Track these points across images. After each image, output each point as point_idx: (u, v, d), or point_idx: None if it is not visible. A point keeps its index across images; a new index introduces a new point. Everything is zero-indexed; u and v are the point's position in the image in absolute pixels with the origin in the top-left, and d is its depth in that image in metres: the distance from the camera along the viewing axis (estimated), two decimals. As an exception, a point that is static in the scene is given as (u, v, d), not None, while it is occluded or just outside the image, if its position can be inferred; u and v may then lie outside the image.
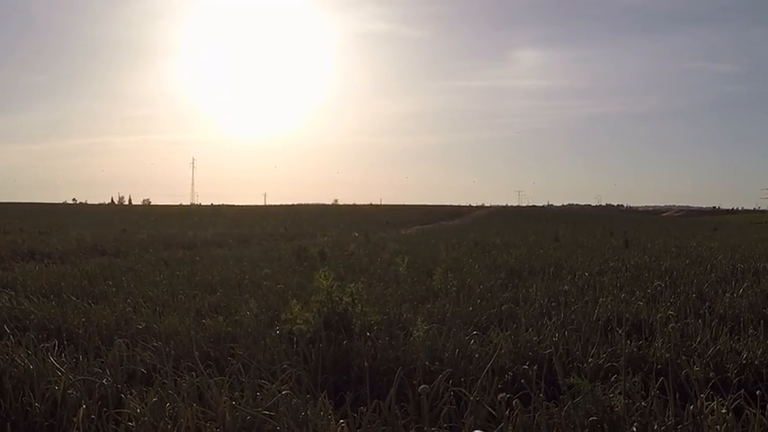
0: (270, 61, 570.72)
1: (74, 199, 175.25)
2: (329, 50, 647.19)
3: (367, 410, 4.55)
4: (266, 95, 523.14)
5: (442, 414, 4.55)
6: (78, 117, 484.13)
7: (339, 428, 4.38)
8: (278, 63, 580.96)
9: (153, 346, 6.59)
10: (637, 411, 4.66)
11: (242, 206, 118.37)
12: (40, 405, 4.94)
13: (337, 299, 7.16)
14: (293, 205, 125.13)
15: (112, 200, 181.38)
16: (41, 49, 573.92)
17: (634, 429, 4.03)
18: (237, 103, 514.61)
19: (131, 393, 5.06)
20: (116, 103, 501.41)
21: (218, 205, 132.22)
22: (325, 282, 7.27)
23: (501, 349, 6.24)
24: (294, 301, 7.42)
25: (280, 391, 4.83)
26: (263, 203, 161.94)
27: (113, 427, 4.57)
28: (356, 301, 7.23)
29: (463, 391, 4.95)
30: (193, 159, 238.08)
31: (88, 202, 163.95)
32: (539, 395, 4.63)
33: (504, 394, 4.30)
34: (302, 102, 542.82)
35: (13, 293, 9.64)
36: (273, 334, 6.88)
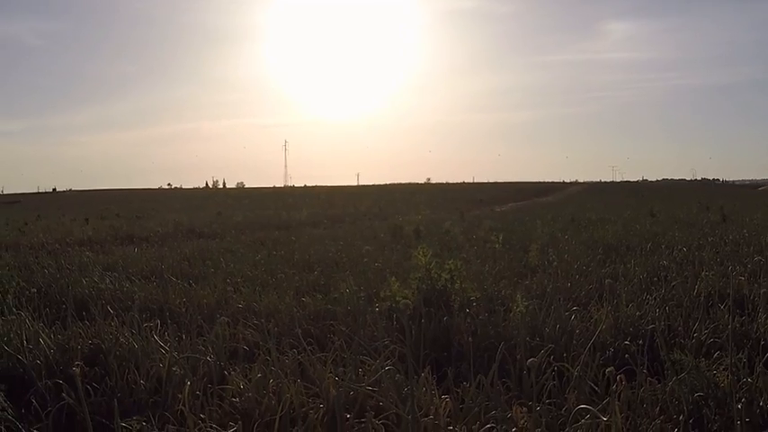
0: (359, 42, 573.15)
1: (169, 184, 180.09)
2: (417, 29, 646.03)
3: (470, 386, 4.59)
4: (356, 76, 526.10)
5: (544, 389, 4.52)
6: (170, 104, 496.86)
7: (443, 404, 4.38)
8: (367, 44, 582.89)
9: (254, 324, 6.72)
10: (743, 387, 4.54)
11: (335, 186, 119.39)
12: (145, 382, 5.11)
13: (436, 275, 7.18)
14: (386, 185, 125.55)
15: (207, 184, 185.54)
16: (131, 39, 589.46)
17: (740, 406, 3.92)
18: (328, 86, 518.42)
19: (234, 370, 5.17)
20: (207, 89, 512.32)
21: (312, 186, 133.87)
22: (423, 258, 7.30)
23: (602, 325, 6.15)
24: (393, 278, 7.47)
25: (382, 367, 4.88)
26: (355, 183, 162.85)
27: (218, 402, 4.69)
28: (455, 278, 7.23)
29: (567, 366, 4.92)
30: (285, 142, 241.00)
31: (183, 187, 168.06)
32: (642, 371, 4.57)
33: (612, 368, 4.24)
34: (391, 81, 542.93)
35: (116, 275, 9.98)
36: (373, 311, 6.92)
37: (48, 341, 6.13)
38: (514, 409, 4.39)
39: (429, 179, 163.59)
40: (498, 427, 4.01)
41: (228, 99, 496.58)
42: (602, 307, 6.93)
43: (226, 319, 6.20)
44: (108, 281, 9.50)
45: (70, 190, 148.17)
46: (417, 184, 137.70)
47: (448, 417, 4.26)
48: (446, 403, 4.38)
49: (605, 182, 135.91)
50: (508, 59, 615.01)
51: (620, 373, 4.20)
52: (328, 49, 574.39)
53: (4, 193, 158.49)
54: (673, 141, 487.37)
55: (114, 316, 6.83)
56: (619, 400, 4.15)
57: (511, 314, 6.65)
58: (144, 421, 4.42)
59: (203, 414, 4.46)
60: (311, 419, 4.26)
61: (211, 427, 4.15)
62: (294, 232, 19.66)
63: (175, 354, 5.36)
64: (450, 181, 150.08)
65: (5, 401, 5.11)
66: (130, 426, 4.38)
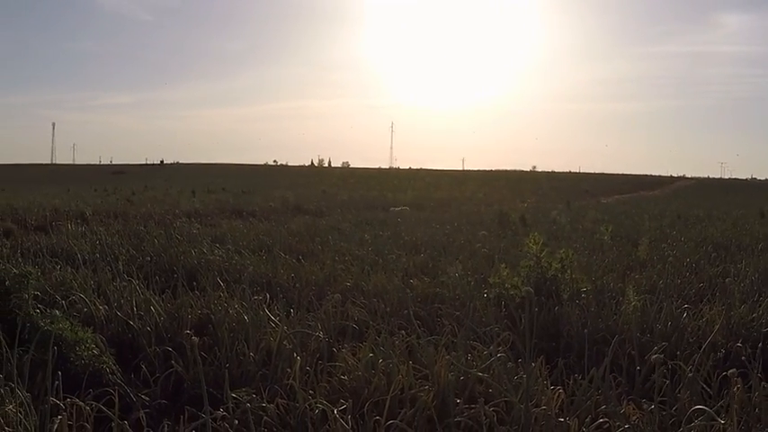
0: (469, 27, 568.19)
1: (275, 161, 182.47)
2: (528, 16, 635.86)
3: (583, 378, 4.53)
4: (464, 61, 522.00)
5: (657, 388, 4.40)
6: (278, 82, 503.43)
7: (555, 395, 4.31)
8: (477, 29, 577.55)
9: (362, 302, 6.75)
10: None
11: (440, 170, 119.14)
12: (254, 355, 5.19)
13: (546, 264, 7.09)
14: (491, 171, 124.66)
15: (312, 162, 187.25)
16: (240, 16, 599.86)
17: None
18: (435, 69, 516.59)
19: (344, 348, 5.20)
20: (315, 69, 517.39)
21: (416, 169, 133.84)
22: (535, 246, 7.22)
23: (717, 325, 5.96)
24: (503, 264, 7.41)
25: (492, 354, 4.83)
26: (460, 168, 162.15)
27: (327, 378, 4.72)
28: (566, 268, 7.14)
29: (680, 364, 4.79)
30: (392, 123, 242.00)
31: (289, 164, 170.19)
32: (757, 375, 4.43)
33: (734, 370, 4.09)
34: (500, 68, 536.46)
35: (226, 248, 10.18)
36: (481, 296, 6.87)
37: (158, 309, 6.29)
38: (626, 405, 4.33)
39: (534, 167, 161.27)
40: (611, 422, 3.93)
41: (336, 78, 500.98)
42: (714, 306, 6.73)
43: (338, 296, 6.23)
44: (217, 252, 9.69)
45: (177, 163, 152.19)
46: (522, 171, 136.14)
47: (559, 408, 4.19)
48: (558, 394, 4.31)
49: (713, 178, 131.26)
50: (620, 49, 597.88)
51: (737, 377, 4.06)
52: (438, 34, 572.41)
53: (113, 163, 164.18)
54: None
55: (224, 287, 6.95)
56: (731, 403, 4.02)
57: (621, 308, 6.54)
58: (253, 393, 4.47)
59: (312, 390, 4.49)
60: (422, 402, 4.24)
61: (321, 402, 4.17)
62: (399, 214, 19.70)
63: (286, 328, 5.42)
64: (556, 170, 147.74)
65: (115, 365, 5.26)
66: (239, 396, 4.45)
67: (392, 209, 19.28)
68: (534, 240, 7.30)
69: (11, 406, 3.98)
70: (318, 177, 64.58)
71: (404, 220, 16.90)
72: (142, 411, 4.43)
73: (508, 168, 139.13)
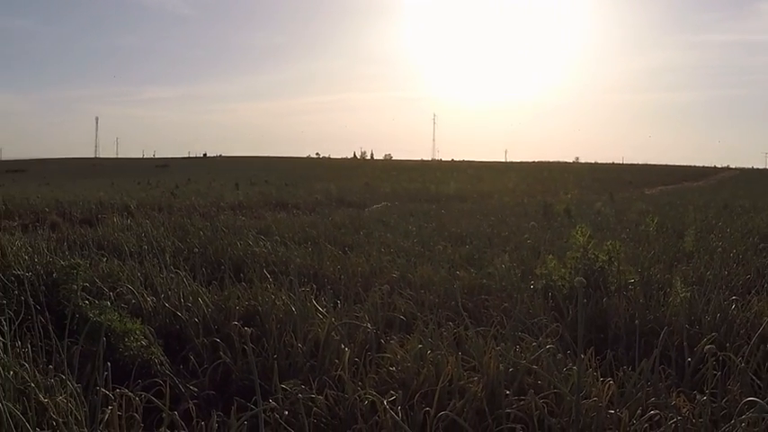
0: (509, 18, 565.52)
1: (317, 153, 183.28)
2: (568, 7, 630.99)
3: (632, 370, 4.53)
4: (505, 53, 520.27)
5: (708, 380, 4.35)
6: (318, 75, 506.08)
7: (606, 387, 4.28)
8: (517, 20, 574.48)
9: (408, 294, 6.75)
10: None
11: (482, 162, 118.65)
12: (302, 346, 5.20)
13: (593, 256, 7.05)
14: (533, 162, 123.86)
15: (354, 154, 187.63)
16: (280, 10, 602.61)
17: None
18: (477, 61, 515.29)
19: (392, 339, 5.19)
20: (356, 62, 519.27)
21: (459, 161, 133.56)
22: (581, 238, 7.18)
23: (765, 317, 5.88)
24: (550, 256, 7.37)
25: (541, 346, 4.81)
26: (503, 160, 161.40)
27: (375, 370, 4.73)
28: (613, 259, 7.09)
29: (730, 356, 4.73)
30: (434, 115, 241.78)
31: (331, 157, 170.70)
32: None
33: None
34: (541, 59, 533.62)
35: (273, 240, 10.23)
36: (528, 288, 6.85)
37: (206, 300, 6.34)
38: (676, 397, 4.34)
39: (577, 158, 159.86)
40: (661, 414, 3.90)
41: (377, 71, 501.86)
42: (763, 298, 6.65)
43: (387, 287, 6.23)
44: (263, 244, 9.75)
45: (220, 156, 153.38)
46: (565, 162, 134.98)
47: (609, 400, 4.16)
48: (609, 386, 4.28)
49: (758, 169, 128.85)
50: (663, 38, 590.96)
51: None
52: (480, 25, 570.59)
53: (156, 156, 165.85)
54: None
55: (271, 279, 6.98)
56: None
57: (669, 300, 6.50)
58: (302, 384, 4.49)
59: (360, 381, 4.50)
60: (471, 393, 4.23)
61: (370, 393, 4.18)
62: (443, 205, 19.69)
63: (333, 319, 5.44)
64: (599, 161, 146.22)
65: (163, 356, 5.31)
66: (288, 388, 4.47)
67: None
68: (581, 232, 7.26)
69: (62, 396, 4.04)
70: (361, 170, 64.56)
71: (448, 212, 16.84)
72: (191, 402, 4.46)
73: (551, 160, 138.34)
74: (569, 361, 4.75)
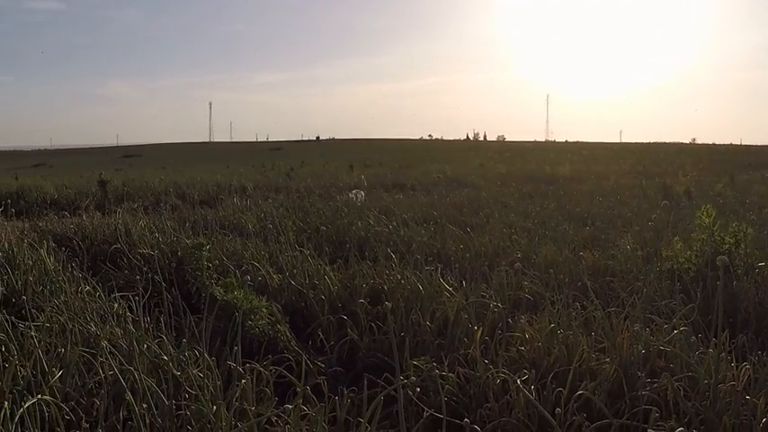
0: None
1: (430, 135, 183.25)
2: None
3: (766, 355, 4.42)
4: (619, 34, 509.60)
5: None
6: (431, 58, 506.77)
7: (742, 371, 4.17)
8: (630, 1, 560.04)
9: (533, 274, 6.71)
10: None
11: (596, 143, 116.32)
12: (430, 324, 5.24)
13: (719, 239, 6.88)
14: (649, 143, 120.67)
15: (467, 136, 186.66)
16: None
17: None
18: (591, 42, 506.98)
19: (520, 319, 5.17)
20: (466, 44, 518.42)
21: (573, 142, 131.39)
22: (708, 219, 7.02)
23: None
24: (676, 238, 7.23)
25: (675, 327, 4.71)
26: (618, 141, 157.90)
27: (505, 349, 4.73)
28: (740, 242, 6.89)
29: None
30: (548, 96, 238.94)
31: (444, 138, 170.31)
32: None
33: None
34: (657, 40, 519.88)
35: (390, 220, 10.30)
36: (654, 269, 6.73)
37: (332, 278, 6.44)
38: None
39: (694, 139, 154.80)
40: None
41: (489, 53, 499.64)
42: None
43: (520, 265, 6.20)
44: (384, 224, 9.82)
45: (333, 138, 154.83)
46: (682, 143, 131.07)
47: (744, 386, 4.06)
48: (745, 370, 4.17)
49: None
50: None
51: None
52: (593, 6, 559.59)
53: (269, 140, 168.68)
54: None
55: (395, 258, 7.03)
56: None
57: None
58: (432, 361, 4.52)
59: (491, 360, 4.51)
60: (605, 374, 4.19)
61: (502, 372, 4.18)
62: (561, 186, 19.45)
63: (463, 298, 5.45)
64: (717, 142, 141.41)
65: (290, 333, 5.43)
66: (419, 365, 4.51)
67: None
68: (707, 213, 7.09)
69: (196, 369, 4.17)
70: (474, 151, 64.19)
71: (566, 193, 16.63)
72: (322, 378, 4.54)
73: (667, 141, 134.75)
74: (701, 345, 4.64)
